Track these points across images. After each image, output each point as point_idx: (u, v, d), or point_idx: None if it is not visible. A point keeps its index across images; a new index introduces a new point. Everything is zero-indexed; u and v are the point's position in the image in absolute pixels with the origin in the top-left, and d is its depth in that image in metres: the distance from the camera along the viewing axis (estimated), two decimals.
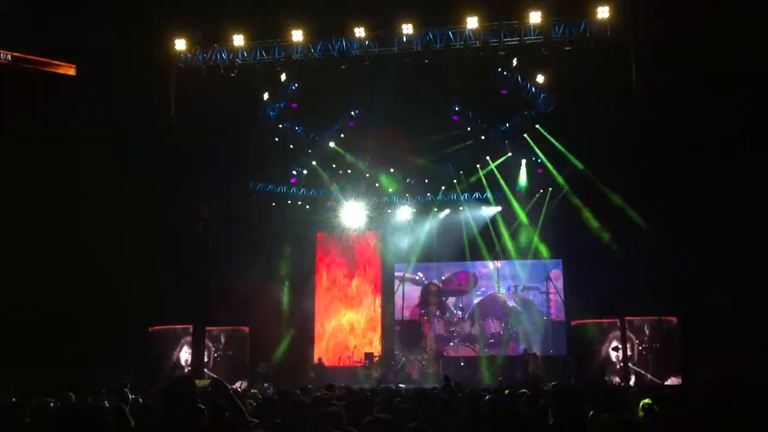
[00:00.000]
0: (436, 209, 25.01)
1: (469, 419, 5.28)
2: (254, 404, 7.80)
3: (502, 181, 23.79)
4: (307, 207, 25.39)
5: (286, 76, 21.11)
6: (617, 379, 18.89)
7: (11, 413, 6.48)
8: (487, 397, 6.19)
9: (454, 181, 24.21)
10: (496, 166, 23.61)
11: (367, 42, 20.01)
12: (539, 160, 23.04)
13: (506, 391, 8.85)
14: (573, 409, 4.89)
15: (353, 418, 5.33)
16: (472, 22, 19.26)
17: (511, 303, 24.58)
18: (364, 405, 6.84)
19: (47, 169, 20.45)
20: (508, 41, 19.46)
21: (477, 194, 24.66)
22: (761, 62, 16.99)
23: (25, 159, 20.29)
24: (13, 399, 9.85)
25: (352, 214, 24.15)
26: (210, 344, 21.06)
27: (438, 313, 24.99)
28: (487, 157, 23.28)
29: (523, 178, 23.70)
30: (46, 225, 20.42)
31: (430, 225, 24.97)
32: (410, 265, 25.43)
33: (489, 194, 24.40)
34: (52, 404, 8.26)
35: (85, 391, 11.52)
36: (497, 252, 24.56)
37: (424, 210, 25.09)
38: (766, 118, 16.87)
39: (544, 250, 23.76)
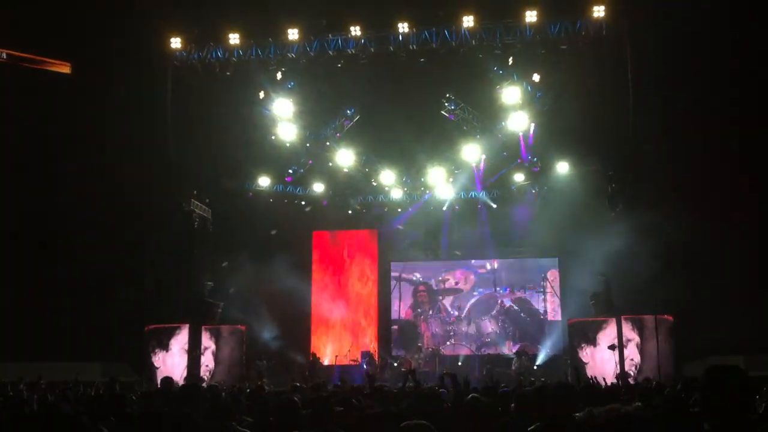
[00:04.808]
0: (432, 207, 24.98)
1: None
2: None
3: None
4: (302, 203, 25.34)
5: (282, 74, 21.10)
6: (614, 378, 18.87)
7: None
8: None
9: (450, 179, 24.16)
10: (493, 164, 23.56)
11: (363, 41, 20.03)
12: (535, 159, 23.05)
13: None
14: (568, 407, 4.88)
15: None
16: (468, 21, 19.31)
17: (507, 302, 24.59)
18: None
19: (44, 164, 20.50)
20: (504, 40, 19.50)
21: (473, 193, 24.65)
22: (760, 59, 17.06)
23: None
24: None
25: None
26: (206, 342, 20.97)
27: (432, 312, 24.99)
28: (483, 155, 23.22)
29: (519, 175, 23.69)
30: (39, 222, 20.42)
31: (427, 224, 24.95)
32: (407, 264, 25.45)
33: (485, 193, 24.42)
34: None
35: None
36: (494, 251, 24.60)
37: (421, 208, 25.07)
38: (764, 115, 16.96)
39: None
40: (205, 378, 19.60)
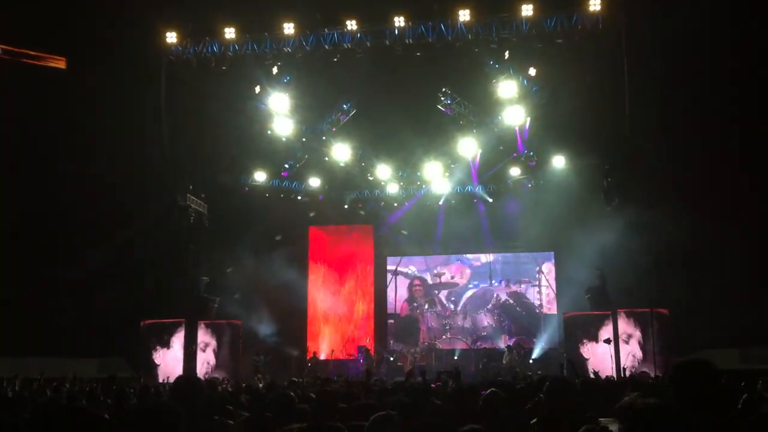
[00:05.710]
0: (428, 202, 25.00)
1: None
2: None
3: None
4: (299, 199, 25.33)
5: (277, 68, 21.06)
6: (609, 372, 18.90)
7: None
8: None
9: (446, 174, 24.16)
10: (489, 158, 23.57)
11: (359, 35, 19.99)
12: (531, 153, 23.07)
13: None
14: (566, 401, 4.91)
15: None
16: (464, 15, 19.28)
17: (503, 296, 24.63)
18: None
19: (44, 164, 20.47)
20: (500, 34, 19.48)
21: (469, 187, 24.66)
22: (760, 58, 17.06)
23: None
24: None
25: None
26: (205, 338, 20.95)
27: (427, 306, 25.02)
28: (479, 150, 23.21)
29: (515, 170, 23.68)
30: (34, 218, 20.39)
31: (423, 218, 24.96)
32: (402, 258, 25.46)
33: (481, 187, 24.43)
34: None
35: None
36: (490, 245, 24.63)
37: (417, 203, 25.08)
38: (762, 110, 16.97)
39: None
40: (207, 375, 19.57)
